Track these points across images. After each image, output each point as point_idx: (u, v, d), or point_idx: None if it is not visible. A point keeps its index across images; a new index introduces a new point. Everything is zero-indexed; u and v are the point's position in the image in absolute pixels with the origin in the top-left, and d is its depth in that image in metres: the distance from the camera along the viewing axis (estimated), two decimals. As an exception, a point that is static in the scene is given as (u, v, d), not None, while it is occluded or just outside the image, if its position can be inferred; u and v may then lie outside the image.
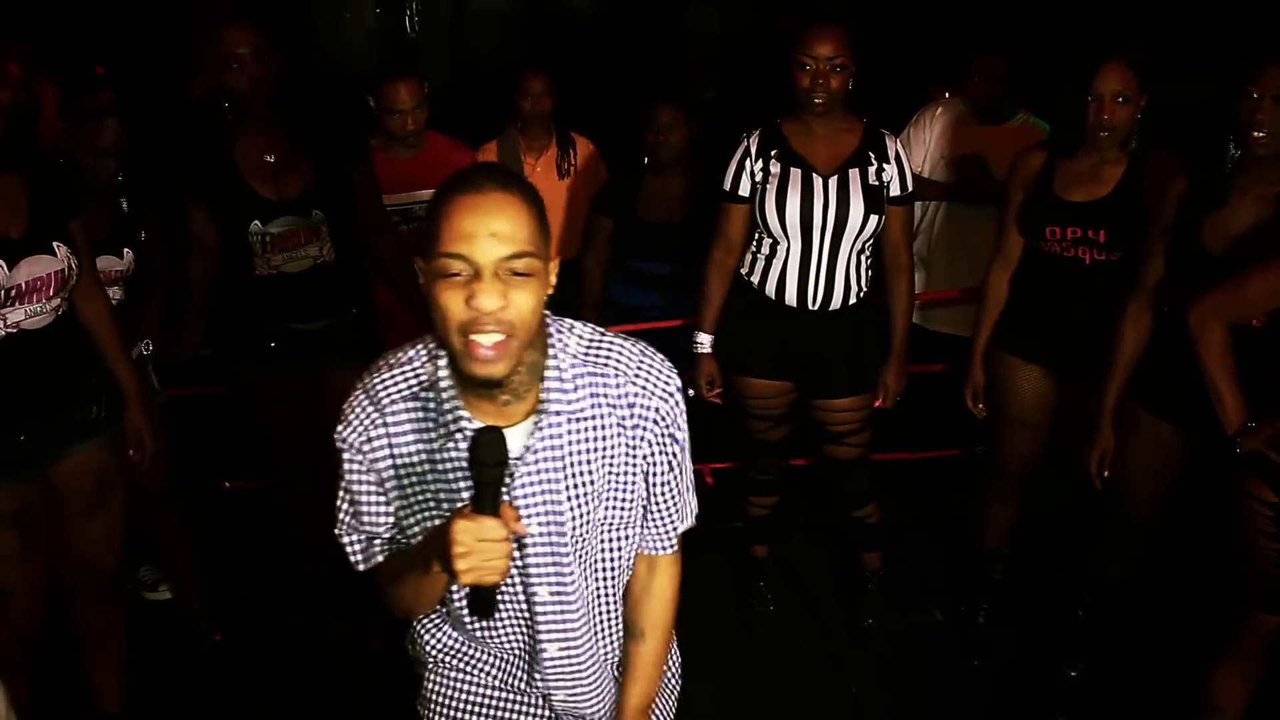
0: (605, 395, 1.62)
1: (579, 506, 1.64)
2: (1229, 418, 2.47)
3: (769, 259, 3.08)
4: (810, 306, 3.08)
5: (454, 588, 1.69)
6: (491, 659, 1.86)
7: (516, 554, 1.62)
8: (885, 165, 3.01)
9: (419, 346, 1.64)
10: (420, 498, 1.64)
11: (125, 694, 2.97)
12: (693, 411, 3.20)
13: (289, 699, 3.24)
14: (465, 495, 1.58)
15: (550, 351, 1.59)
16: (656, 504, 1.74)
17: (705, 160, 3.50)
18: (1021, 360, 3.15)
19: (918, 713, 3.24)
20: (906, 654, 3.45)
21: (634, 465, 1.68)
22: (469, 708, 1.88)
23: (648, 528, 1.77)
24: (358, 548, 1.72)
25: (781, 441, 3.36)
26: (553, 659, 1.77)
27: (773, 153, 3.01)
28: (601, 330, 1.69)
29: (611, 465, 1.65)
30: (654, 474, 1.70)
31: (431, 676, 1.91)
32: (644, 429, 1.65)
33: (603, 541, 1.73)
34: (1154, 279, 2.77)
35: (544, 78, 3.93)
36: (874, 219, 3.00)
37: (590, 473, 1.64)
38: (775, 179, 2.99)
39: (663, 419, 1.66)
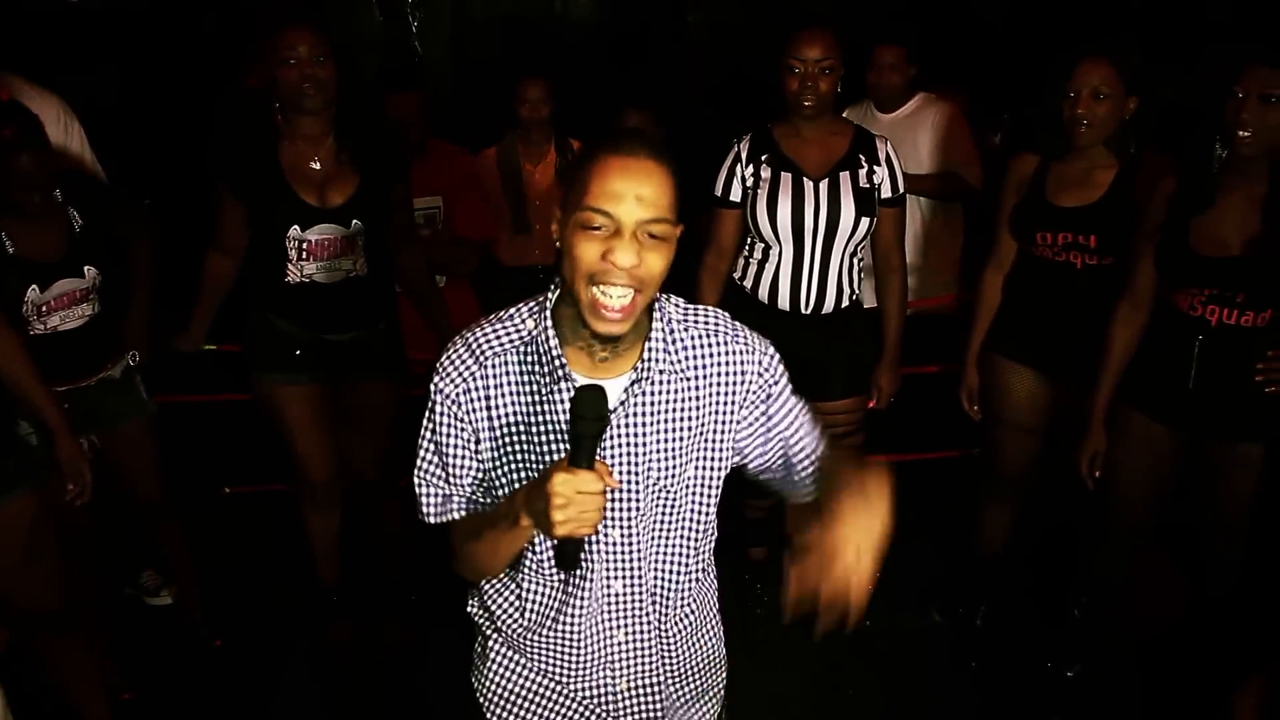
0: (707, 355, 1.71)
1: (668, 462, 1.71)
2: None
3: (761, 263, 3.10)
4: (804, 310, 3.09)
5: (536, 545, 1.75)
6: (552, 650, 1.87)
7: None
8: (876, 167, 3.02)
9: (520, 306, 1.71)
10: (513, 451, 1.69)
11: (110, 707, 2.98)
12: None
13: (288, 704, 3.27)
14: (559, 450, 1.66)
15: (655, 314, 1.69)
16: (795, 445, 1.80)
17: (695, 165, 3.49)
18: (1015, 363, 3.16)
19: (915, 714, 3.24)
20: (904, 656, 3.45)
21: (727, 423, 1.74)
22: (524, 693, 1.91)
23: (796, 474, 1.82)
24: (433, 500, 1.75)
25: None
26: (617, 594, 1.79)
27: (763, 158, 3.02)
28: (685, 301, 1.77)
29: (704, 425, 1.73)
30: (783, 413, 1.78)
31: (495, 646, 1.92)
32: (753, 382, 1.74)
33: (691, 499, 1.78)
34: (1144, 280, 2.77)
35: (542, 84, 3.95)
36: (865, 221, 3.01)
37: (683, 430, 1.71)
38: (766, 184, 3.00)
39: (767, 369, 1.75)
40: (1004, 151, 4.20)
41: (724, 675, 2.11)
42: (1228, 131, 2.52)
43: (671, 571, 1.82)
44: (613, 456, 1.68)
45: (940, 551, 3.84)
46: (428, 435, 1.72)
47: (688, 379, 1.70)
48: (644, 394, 1.67)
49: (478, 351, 1.67)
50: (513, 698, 1.91)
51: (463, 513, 1.75)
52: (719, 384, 1.72)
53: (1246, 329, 2.60)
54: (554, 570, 1.77)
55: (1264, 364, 2.61)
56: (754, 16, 5.46)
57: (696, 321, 1.73)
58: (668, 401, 1.69)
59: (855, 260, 3.10)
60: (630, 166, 1.54)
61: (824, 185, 2.98)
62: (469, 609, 1.97)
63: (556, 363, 1.64)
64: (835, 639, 3.49)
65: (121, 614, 3.56)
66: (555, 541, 1.57)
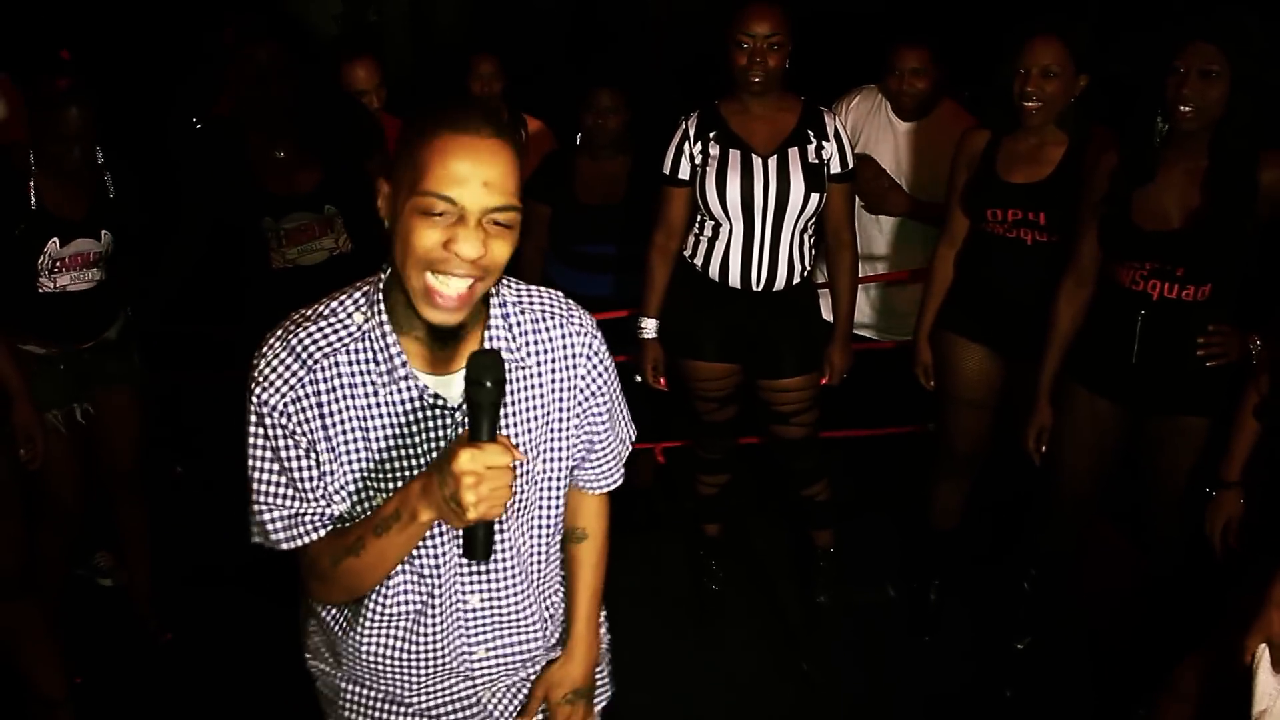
0: (543, 344, 1.63)
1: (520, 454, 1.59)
2: None
3: (711, 241, 3.09)
4: (754, 288, 3.09)
5: (428, 539, 1.61)
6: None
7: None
8: (825, 143, 3.02)
9: (341, 299, 1.58)
10: (356, 456, 1.54)
11: (67, 680, 2.97)
12: (642, 389, 3.25)
13: (242, 697, 3.23)
14: (405, 456, 1.55)
15: (491, 299, 1.59)
16: (602, 439, 1.76)
17: (643, 142, 3.50)
18: (966, 340, 3.17)
19: (870, 688, 3.27)
20: (859, 630, 3.48)
21: (569, 412, 1.67)
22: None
23: (593, 464, 1.78)
24: (281, 524, 1.55)
25: (729, 422, 3.37)
26: (475, 610, 1.69)
27: (711, 134, 3.01)
28: (516, 280, 1.68)
29: (548, 415, 1.65)
30: (599, 409, 1.71)
31: (343, 688, 1.80)
32: (581, 368, 1.66)
33: (540, 493, 1.70)
34: (1088, 255, 2.78)
35: (493, 60, 3.92)
36: (815, 197, 3.01)
37: (530, 423, 1.63)
38: (715, 161, 2.99)
39: (598, 355, 1.68)
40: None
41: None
42: (1169, 107, 2.52)
43: (523, 577, 1.72)
44: None
45: (894, 527, 3.87)
46: (261, 455, 1.53)
47: (527, 368, 1.61)
48: None
49: (303, 355, 1.52)
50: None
51: (321, 531, 1.56)
52: (559, 370, 1.64)
53: (1187, 303, 2.62)
54: (407, 588, 1.64)
55: (1204, 338, 2.63)
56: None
57: (533, 304, 1.64)
58: (512, 393, 1.60)
59: (806, 237, 3.09)
60: (477, 147, 1.41)
61: (773, 161, 2.97)
62: (306, 657, 1.85)
63: (396, 360, 1.52)
64: (789, 615, 3.56)
65: (73, 596, 3.52)
66: (461, 531, 1.45)
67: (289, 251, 3.04)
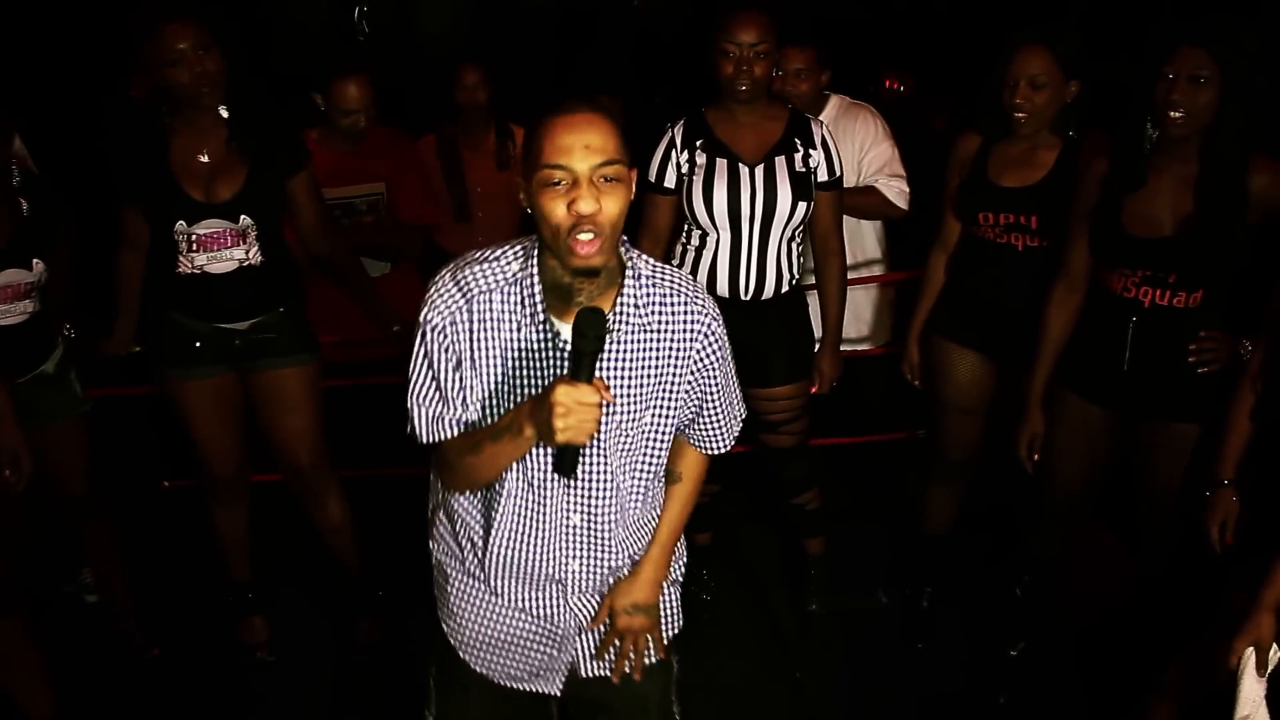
0: (667, 314, 1.88)
1: (629, 406, 1.89)
2: None
3: (699, 250, 3.07)
4: (743, 297, 3.07)
5: (536, 454, 1.88)
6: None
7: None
8: (812, 151, 3.00)
9: (512, 246, 1.87)
10: (490, 375, 1.85)
11: (52, 701, 2.94)
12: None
13: (229, 708, 3.23)
14: (536, 383, 1.83)
15: (626, 268, 1.85)
16: (712, 407, 2.04)
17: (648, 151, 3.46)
18: (958, 345, 3.16)
19: (863, 696, 3.25)
20: (851, 638, 3.46)
21: (681, 377, 1.93)
22: (488, 621, 2.08)
23: (701, 427, 2.07)
24: (427, 419, 1.88)
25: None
26: (575, 526, 1.97)
27: (698, 143, 2.99)
28: (654, 261, 1.95)
29: (663, 375, 1.90)
30: (711, 381, 1.98)
31: (455, 579, 2.09)
32: (699, 342, 1.91)
33: (646, 441, 1.96)
34: (1079, 262, 2.77)
35: (478, 69, 3.89)
36: (803, 206, 2.99)
37: (645, 377, 1.89)
38: (701, 170, 2.98)
39: (716, 336, 1.94)
40: (948, 133, 4.18)
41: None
42: (1158, 112, 2.51)
43: (622, 509, 1.99)
44: None
45: (886, 533, 3.86)
46: (420, 362, 1.86)
47: (652, 331, 1.87)
48: (614, 339, 1.84)
49: (465, 288, 1.83)
50: (479, 627, 2.07)
51: (456, 430, 1.87)
52: (679, 338, 1.89)
53: (1179, 310, 2.61)
54: (523, 497, 1.93)
55: (1195, 344, 2.62)
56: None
57: (665, 279, 1.89)
58: (634, 349, 1.86)
59: (794, 245, 3.08)
60: (575, 121, 1.71)
61: (760, 170, 2.96)
62: (430, 544, 2.14)
63: (539, 304, 1.80)
64: (781, 623, 3.54)
65: (61, 613, 3.51)
66: (555, 450, 1.75)
67: (198, 257, 2.92)
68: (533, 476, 1.91)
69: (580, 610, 2.08)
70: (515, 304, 1.82)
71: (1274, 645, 2.15)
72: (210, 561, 3.44)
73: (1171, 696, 2.53)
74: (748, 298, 3.07)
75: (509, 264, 1.84)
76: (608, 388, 1.78)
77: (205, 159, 2.90)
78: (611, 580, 2.08)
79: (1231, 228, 2.51)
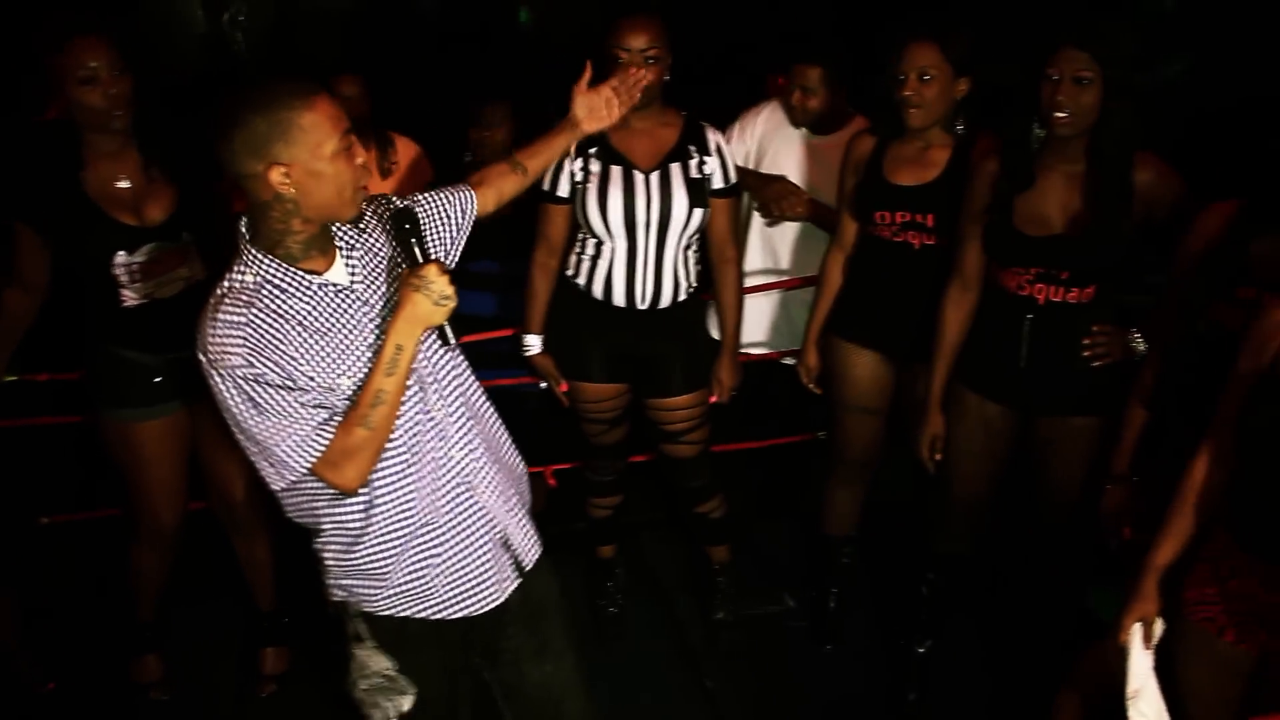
0: (371, 214, 2.08)
1: None
2: None
3: (594, 259, 3.02)
4: (639, 305, 3.03)
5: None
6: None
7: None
8: (706, 158, 2.97)
9: (225, 278, 1.90)
10: (326, 358, 1.88)
11: None
12: (530, 414, 3.17)
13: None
14: (353, 327, 1.92)
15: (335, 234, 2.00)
16: (447, 203, 2.30)
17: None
18: (857, 345, 3.17)
19: (774, 701, 3.24)
20: (760, 643, 3.46)
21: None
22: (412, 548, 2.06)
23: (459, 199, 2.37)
24: (292, 446, 1.88)
25: (619, 443, 3.31)
26: (434, 420, 2.04)
27: (591, 151, 2.93)
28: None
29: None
30: (438, 211, 2.26)
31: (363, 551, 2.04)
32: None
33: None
34: (972, 261, 2.79)
35: (356, 80, 3.76)
36: (698, 213, 2.96)
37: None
38: (596, 178, 2.92)
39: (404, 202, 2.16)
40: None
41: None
42: (1044, 113, 2.54)
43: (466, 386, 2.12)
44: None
45: (791, 536, 3.86)
46: (247, 409, 1.85)
47: (376, 234, 2.07)
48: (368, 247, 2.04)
49: (235, 319, 1.84)
50: (407, 559, 2.05)
51: (326, 433, 1.89)
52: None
53: (1073, 305, 2.65)
54: (411, 405, 1.99)
55: (1089, 339, 2.66)
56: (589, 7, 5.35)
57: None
58: (382, 251, 2.04)
59: (690, 253, 3.04)
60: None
61: (655, 177, 2.92)
62: (329, 583, 2.10)
63: (299, 275, 1.89)
64: (689, 633, 3.51)
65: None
66: (438, 330, 1.93)
67: (145, 286, 2.79)
68: (409, 414, 1.98)
69: (496, 493, 2.13)
70: (283, 298, 1.88)
71: (1158, 618, 2.18)
72: (99, 595, 3.35)
73: (1078, 686, 2.57)
74: (644, 306, 3.03)
75: (240, 275, 1.88)
76: (440, 261, 1.92)
77: (127, 183, 2.75)
78: (503, 463, 2.17)
79: (1119, 224, 2.55)
